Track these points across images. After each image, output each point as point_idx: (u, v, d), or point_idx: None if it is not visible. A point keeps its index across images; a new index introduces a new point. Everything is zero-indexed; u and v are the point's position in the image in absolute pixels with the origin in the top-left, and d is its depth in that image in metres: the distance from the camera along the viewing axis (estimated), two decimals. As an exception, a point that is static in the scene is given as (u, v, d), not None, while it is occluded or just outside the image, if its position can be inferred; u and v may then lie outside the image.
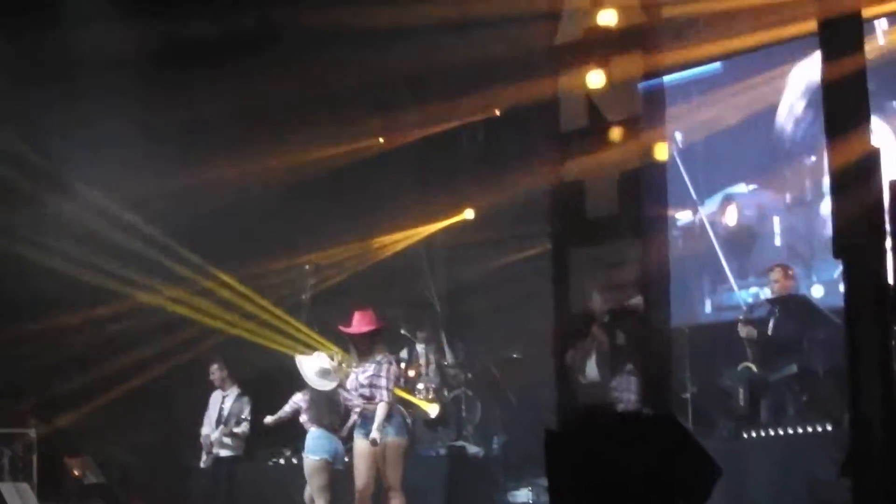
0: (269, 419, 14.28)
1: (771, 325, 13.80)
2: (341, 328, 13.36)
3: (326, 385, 13.41)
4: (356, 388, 12.82)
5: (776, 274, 14.08)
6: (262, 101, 15.98)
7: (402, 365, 15.97)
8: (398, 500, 12.84)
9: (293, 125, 16.40)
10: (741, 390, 13.73)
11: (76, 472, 17.16)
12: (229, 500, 15.72)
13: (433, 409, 16.18)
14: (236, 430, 15.83)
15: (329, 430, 13.46)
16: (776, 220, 15.63)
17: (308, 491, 13.52)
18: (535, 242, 16.01)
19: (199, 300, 17.37)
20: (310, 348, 14.68)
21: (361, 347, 13.07)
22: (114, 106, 15.84)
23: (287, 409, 14.04)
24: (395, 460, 12.79)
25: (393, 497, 12.84)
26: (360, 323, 13.01)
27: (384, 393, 12.69)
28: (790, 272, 14.09)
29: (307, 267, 17.52)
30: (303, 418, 13.73)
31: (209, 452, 15.83)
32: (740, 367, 13.82)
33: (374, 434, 12.54)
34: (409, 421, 14.11)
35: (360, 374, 12.88)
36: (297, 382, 13.78)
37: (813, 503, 11.97)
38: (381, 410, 12.62)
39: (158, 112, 15.91)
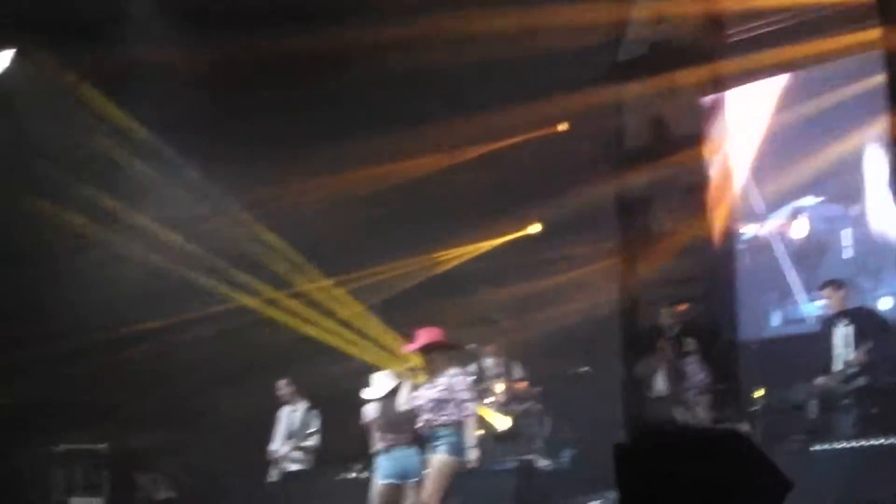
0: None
1: (840, 337, 13.76)
2: (406, 349, 13.28)
3: (390, 384, 13.21)
4: (426, 402, 12.70)
5: (826, 292, 14.06)
6: (341, 116, 16.28)
7: (472, 380, 15.95)
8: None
9: (362, 140, 16.53)
10: (811, 403, 13.66)
11: (147, 488, 17.31)
12: (298, 514, 15.79)
13: (505, 423, 16.20)
14: (305, 444, 15.93)
15: (403, 444, 13.18)
16: (845, 232, 15.54)
17: None
18: (601, 257, 16.04)
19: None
20: (385, 350, 14.67)
21: (427, 363, 12.95)
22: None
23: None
24: (435, 474, 12.45)
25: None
26: (422, 338, 12.87)
27: (468, 406, 12.54)
28: (839, 286, 14.02)
29: (375, 279, 17.68)
30: (375, 424, 13.39)
31: (278, 467, 15.95)
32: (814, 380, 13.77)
33: (471, 449, 12.40)
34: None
35: (430, 390, 12.73)
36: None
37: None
38: (469, 425, 12.54)
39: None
